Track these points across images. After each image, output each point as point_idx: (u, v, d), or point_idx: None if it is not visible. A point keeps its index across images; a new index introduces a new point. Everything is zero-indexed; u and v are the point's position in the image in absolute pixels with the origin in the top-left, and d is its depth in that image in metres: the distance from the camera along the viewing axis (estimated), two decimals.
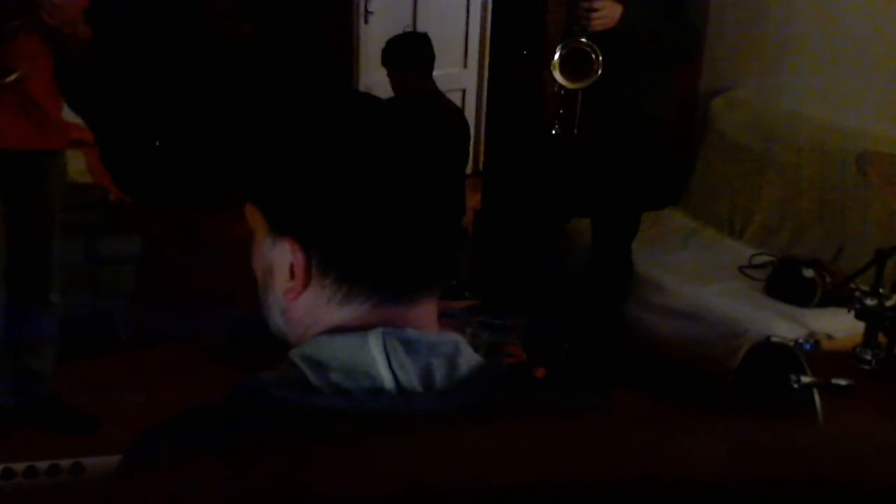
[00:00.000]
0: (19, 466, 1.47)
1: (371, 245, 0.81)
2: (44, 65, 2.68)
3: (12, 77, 2.57)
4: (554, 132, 2.97)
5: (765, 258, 3.59)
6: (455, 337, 0.83)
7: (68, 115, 4.26)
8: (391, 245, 0.81)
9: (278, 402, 0.78)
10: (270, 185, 0.87)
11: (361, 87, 4.78)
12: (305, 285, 0.83)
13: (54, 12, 2.43)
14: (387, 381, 0.77)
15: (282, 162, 0.85)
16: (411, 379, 0.78)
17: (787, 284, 3.27)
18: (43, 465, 1.49)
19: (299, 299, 0.84)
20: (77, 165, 3.78)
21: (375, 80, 4.59)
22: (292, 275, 0.84)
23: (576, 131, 2.95)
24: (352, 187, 0.81)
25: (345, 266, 0.82)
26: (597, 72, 2.83)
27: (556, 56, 2.85)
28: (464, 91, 5.20)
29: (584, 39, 2.83)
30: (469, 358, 0.82)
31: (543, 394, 0.87)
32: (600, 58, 2.81)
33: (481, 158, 5.02)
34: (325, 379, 0.78)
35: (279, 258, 0.85)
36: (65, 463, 1.49)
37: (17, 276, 2.80)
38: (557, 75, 2.86)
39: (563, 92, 2.91)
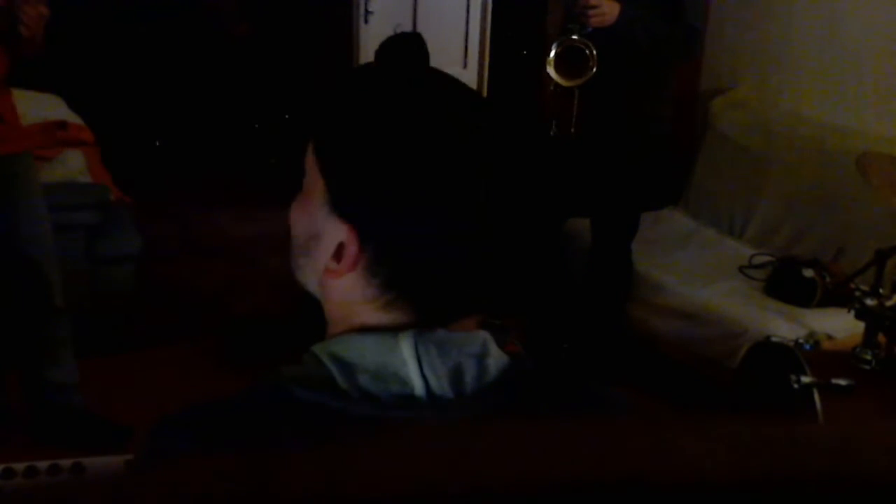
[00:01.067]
0: (19, 466, 1.48)
1: (429, 262, 0.77)
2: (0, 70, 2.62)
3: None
4: (552, 132, 2.97)
5: (765, 258, 3.59)
6: (483, 335, 0.80)
7: (68, 114, 4.26)
8: (448, 266, 0.77)
9: (302, 403, 0.76)
10: (345, 161, 0.78)
11: None
12: (349, 271, 0.78)
13: (32, 24, 2.39)
14: (417, 386, 0.75)
15: (366, 145, 0.76)
16: (441, 383, 0.75)
17: (787, 284, 3.27)
18: (43, 465, 1.49)
19: (339, 281, 0.79)
20: (77, 165, 3.78)
21: None
22: (339, 257, 0.78)
23: (573, 130, 2.94)
24: (433, 196, 0.75)
25: (396, 275, 0.77)
26: (592, 69, 2.82)
27: (552, 54, 2.85)
28: None
29: (575, 37, 2.83)
30: (497, 357, 0.79)
31: (567, 393, 0.85)
32: (594, 55, 2.81)
33: None
34: (352, 381, 0.75)
35: (331, 234, 0.79)
36: (65, 463, 1.49)
37: (14, 284, 2.75)
38: (552, 72, 2.86)
39: (558, 90, 2.91)
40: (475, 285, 0.79)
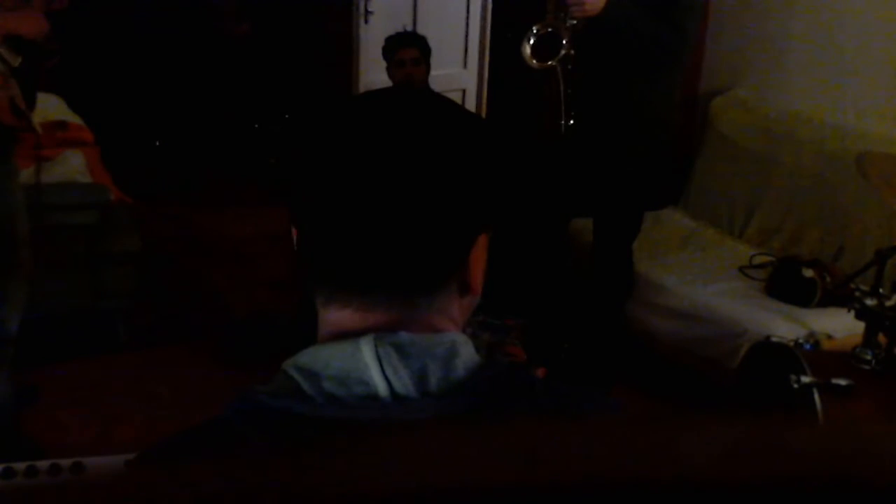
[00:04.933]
0: (20, 466, 1.47)
1: (339, 245, 0.80)
2: None
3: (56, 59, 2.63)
4: (548, 130, 3.00)
5: (765, 258, 3.59)
6: (452, 337, 0.81)
7: (68, 114, 4.26)
8: (359, 247, 0.79)
9: (271, 412, 0.78)
10: (286, 165, 0.88)
11: (361, 87, 4.79)
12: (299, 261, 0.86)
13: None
14: (380, 387, 0.76)
15: (286, 147, 0.87)
16: (405, 384, 0.77)
17: (787, 284, 3.27)
18: (43, 464, 1.49)
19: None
20: (77, 165, 3.78)
21: (375, 80, 4.59)
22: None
23: (563, 122, 2.96)
24: (338, 195, 0.79)
25: (320, 267, 0.82)
26: (561, 53, 2.86)
27: (531, 39, 2.89)
28: (464, 91, 5.20)
29: (535, 28, 2.88)
30: (467, 359, 0.80)
31: (544, 393, 0.85)
32: (567, 39, 2.84)
33: None
34: (318, 388, 0.77)
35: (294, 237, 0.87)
36: (65, 463, 1.49)
37: None
38: (527, 53, 2.90)
39: (540, 74, 2.96)
40: (406, 260, 0.80)
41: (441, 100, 0.86)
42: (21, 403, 2.90)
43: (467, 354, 0.81)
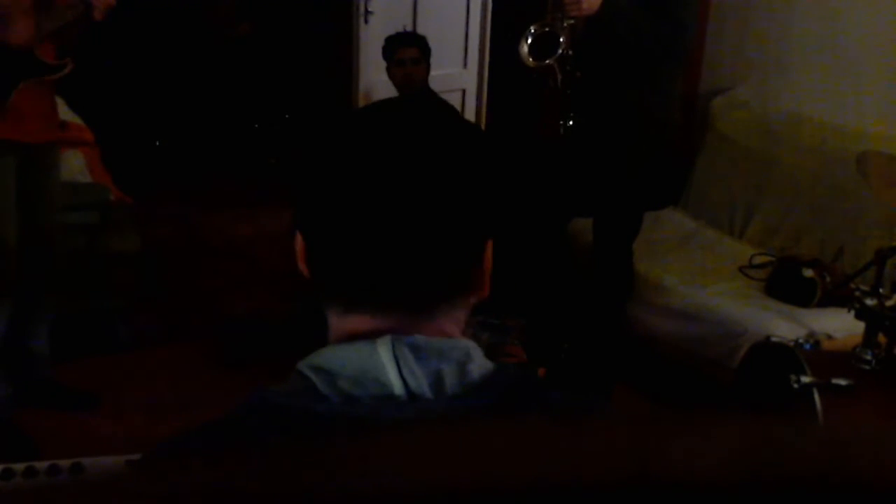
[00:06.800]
0: (19, 466, 1.47)
1: (355, 256, 0.81)
2: None
3: (68, 69, 2.64)
4: (549, 130, 3.01)
5: (765, 258, 3.59)
6: (466, 343, 0.82)
7: (68, 114, 4.26)
8: (377, 258, 0.80)
9: (284, 410, 0.78)
10: (294, 174, 0.89)
11: (361, 87, 4.78)
12: (304, 272, 0.86)
13: (102, 9, 2.68)
14: (396, 387, 0.77)
15: (297, 155, 0.87)
16: (421, 385, 0.77)
17: (787, 284, 3.27)
18: (43, 465, 1.49)
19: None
20: (77, 165, 3.78)
21: (375, 80, 4.58)
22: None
23: (562, 122, 2.96)
24: (345, 204, 0.80)
25: (333, 277, 0.83)
26: (558, 52, 2.87)
27: (529, 39, 2.90)
28: (464, 91, 5.20)
29: (533, 28, 2.89)
30: (480, 364, 0.81)
31: (554, 398, 0.86)
32: (562, 41, 2.85)
33: None
34: (333, 387, 0.78)
35: (298, 246, 0.87)
36: (64, 463, 1.49)
37: (29, 268, 2.83)
38: (524, 52, 2.91)
39: (539, 74, 2.97)
40: (422, 272, 0.81)
41: (445, 110, 0.88)
42: (78, 407, 3.04)
43: (480, 360, 0.82)
